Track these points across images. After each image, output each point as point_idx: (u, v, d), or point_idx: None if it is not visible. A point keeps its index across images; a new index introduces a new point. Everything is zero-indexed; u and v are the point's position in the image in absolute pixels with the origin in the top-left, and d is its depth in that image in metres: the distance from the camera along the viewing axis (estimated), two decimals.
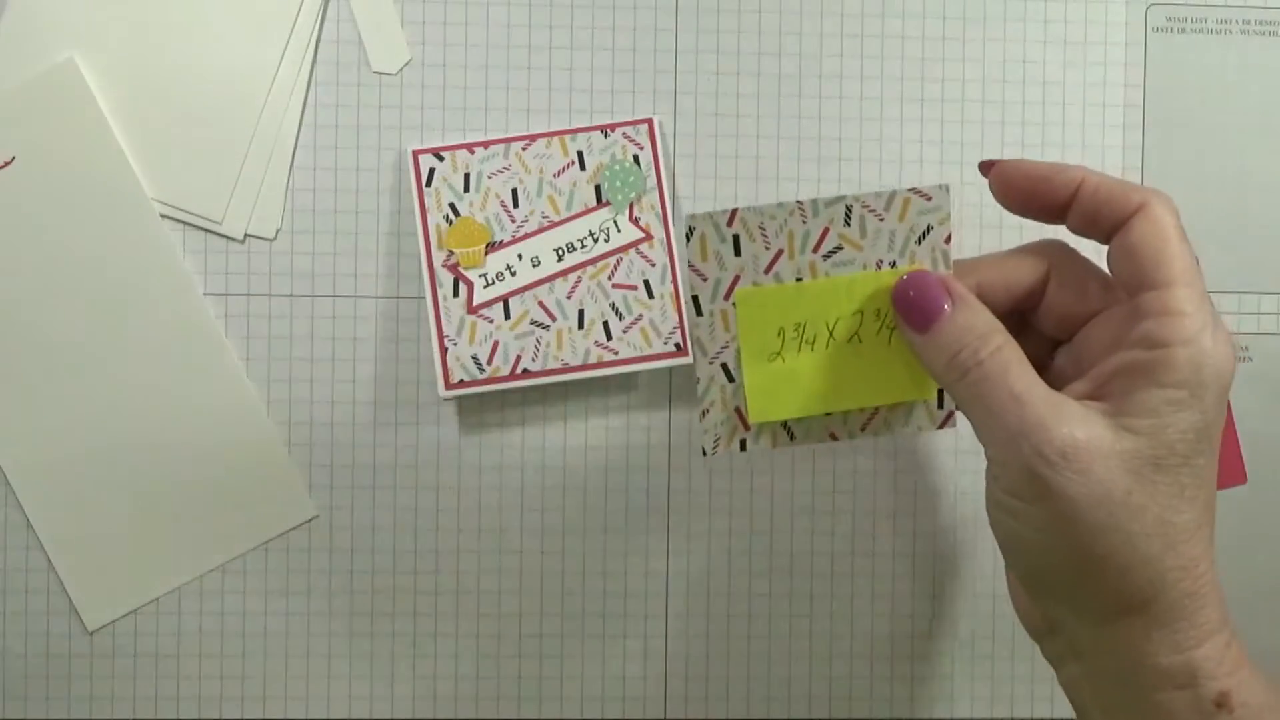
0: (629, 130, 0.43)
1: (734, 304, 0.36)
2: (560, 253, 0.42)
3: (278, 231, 0.43)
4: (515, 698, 0.44)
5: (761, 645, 0.44)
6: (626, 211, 0.42)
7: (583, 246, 0.42)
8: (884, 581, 0.44)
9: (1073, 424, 0.31)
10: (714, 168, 0.44)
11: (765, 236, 0.35)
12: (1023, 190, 0.34)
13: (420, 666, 0.44)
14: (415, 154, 0.42)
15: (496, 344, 0.42)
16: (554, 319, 0.42)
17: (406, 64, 0.43)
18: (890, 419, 0.37)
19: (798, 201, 0.35)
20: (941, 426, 0.37)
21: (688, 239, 0.36)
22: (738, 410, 0.37)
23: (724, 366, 0.36)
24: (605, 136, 0.42)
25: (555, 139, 0.42)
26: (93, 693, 0.43)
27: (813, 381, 0.36)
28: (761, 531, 0.44)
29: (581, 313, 0.42)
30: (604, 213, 0.42)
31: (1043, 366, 0.36)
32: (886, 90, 0.44)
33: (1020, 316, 0.36)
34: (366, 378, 0.43)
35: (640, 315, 0.42)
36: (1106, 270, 0.34)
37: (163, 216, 0.43)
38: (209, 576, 0.43)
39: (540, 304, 0.42)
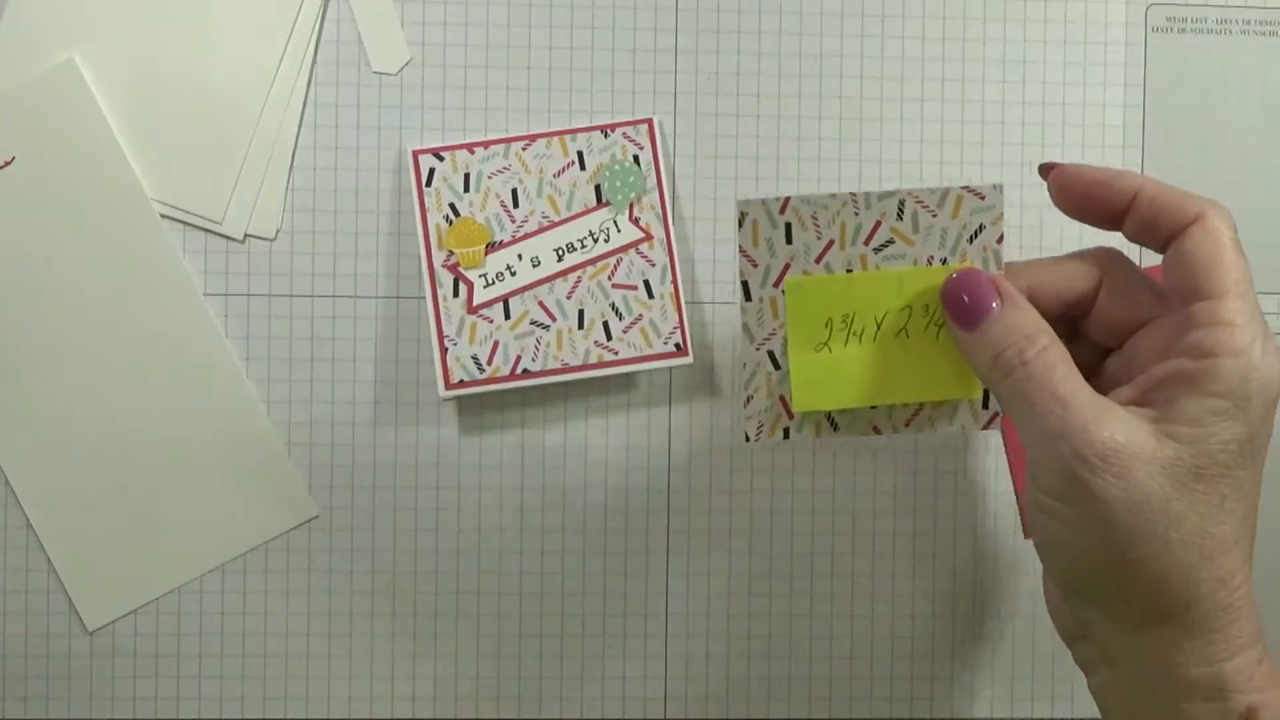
0: (629, 130, 0.43)
1: (783, 291, 0.36)
2: (560, 253, 0.42)
3: (278, 231, 0.43)
4: (515, 698, 0.44)
5: (761, 645, 0.44)
6: (626, 211, 0.42)
7: (583, 246, 0.42)
8: (884, 581, 0.44)
9: (1114, 427, 0.31)
10: (714, 168, 0.44)
11: (817, 226, 0.36)
12: (1080, 195, 0.34)
13: (420, 666, 0.44)
14: (415, 154, 0.42)
15: (496, 344, 0.42)
16: (554, 319, 0.42)
17: (406, 64, 0.43)
18: (935, 416, 0.37)
19: (851, 193, 0.35)
20: (986, 427, 0.37)
21: (740, 224, 0.36)
22: (782, 399, 0.37)
23: (770, 354, 0.36)
24: (605, 136, 0.42)
25: (555, 139, 0.42)
26: (93, 693, 0.43)
27: (858, 374, 0.36)
28: (761, 531, 0.44)
29: (581, 313, 0.42)
30: (604, 213, 0.42)
31: (1092, 373, 0.36)
32: (886, 90, 0.44)
33: (1071, 323, 0.36)
34: (366, 378, 0.43)
35: (640, 315, 0.42)
36: (1156, 280, 0.35)
37: (163, 216, 0.43)
38: (209, 576, 0.43)
39: (540, 304, 0.42)
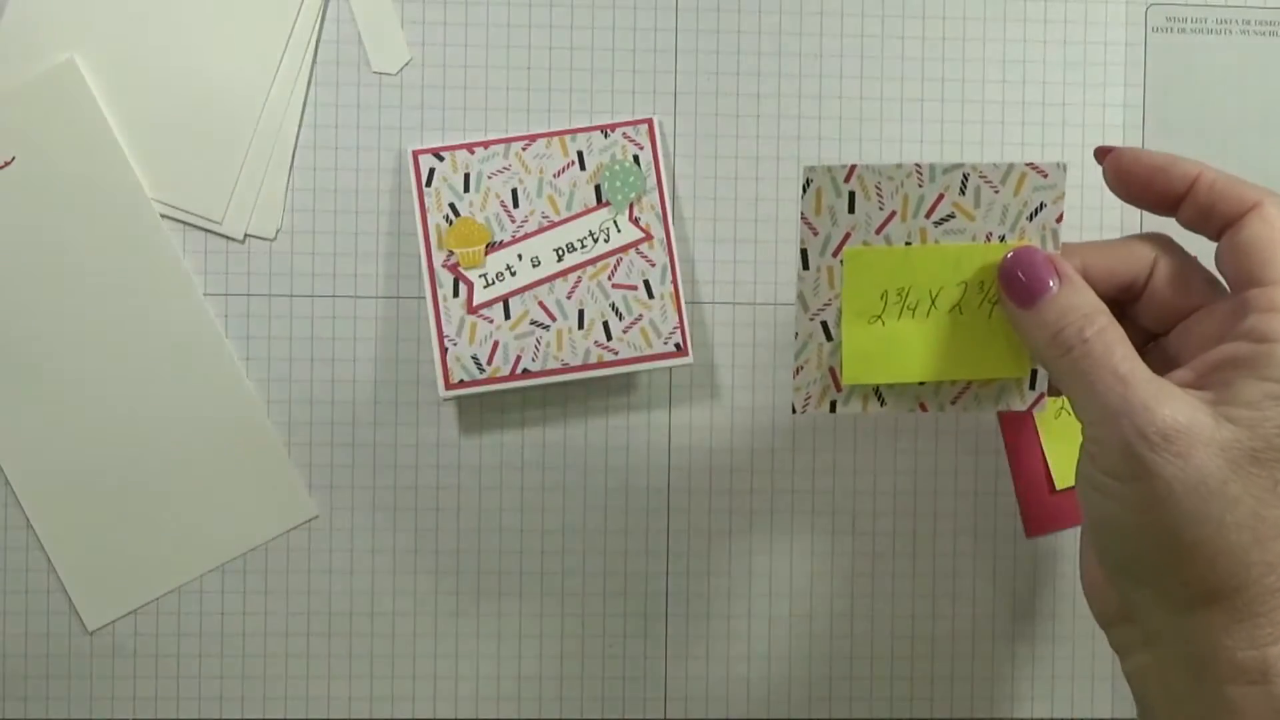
0: (629, 130, 0.43)
1: (841, 261, 0.36)
2: (560, 253, 0.42)
3: (278, 231, 0.43)
4: (515, 698, 0.44)
5: (761, 645, 0.44)
6: (626, 211, 0.42)
7: (583, 246, 0.42)
8: (884, 581, 0.44)
9: (1176, 407, 0.31)
10: (714, 168, 0.44)
11: (880, 196, 0.36)
12: (1138, 180, 0.35)
13: (420, 666, 0.44)
14: (415, 154, 0.42)
15: (496, 344, 0.42)
16: (554, 319, 0.42)
17: (406, 64, 0.43)
18: (981, 395, 0.37)
19: (916, 164, 0.35)
20: (1031, 408, 0.37)
21: (804, 190, 0.35)
22: (832, 370, 0.37)
23: (824, 325, 0.36)
24: (605, 136, 0.42)
25: (555, 139, 0.42)
26: (93, 693, 0.43)
27: (910, 349, 0.36)
28: (761, 531, 0.44)
29: (581, 313, 0.42)
30: (604, 213, 0.42)
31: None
32: (886, 90, 0.44)
33: (1117, 307, 0.36)
34: (366, 378, 0.43)
35: (640, 315, 0.42)
36: (1205, 267, 0.35)
37: (163, 216, 0.43)
38: (209, 576, 0.43)
39: (540, 304, 0.42)
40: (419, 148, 0.42)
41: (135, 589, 0.43)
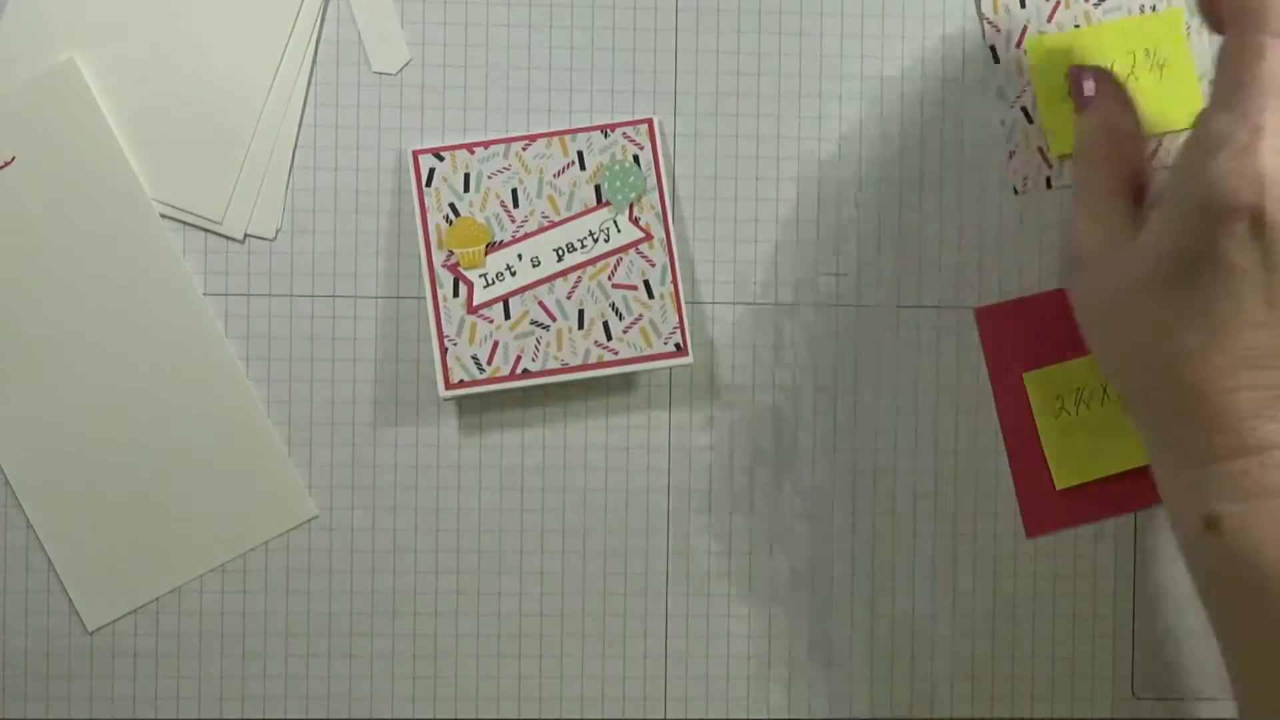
0: (629, 130, 0.43)
1: (1026, 52, 0.42)
2: (560, 253, 0.42)
3: (278, 231, 0.43)
4: (515, 698, 0.44)
5: (761, 645, 0.44)
6: (626, 211, 0.42)
7: (583, 246, 0.42)
8: (884, 580, 0.44)
9: (1095, 234, 0.36)
10: (714, 168, 0.44)
11: None
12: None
13: (420, 666, 0.44)
14: (415, 154, 0.42)
15: (496, 344, 0.42)
16: (554, 319, 0.42)
17: (406, 64, 0.43)
18: (1172, 150, 0.41)
19: None
20: None
21: None
22: (1040, 150, 0.42)
23: (1024, 110, 0.42)
24: (605, 136, 0.42)
25: (555, 139, 0.42)
26: (93, 693, 0.43)
27: None
28: (761, 532, 0.44)
29: (581, 313, 0.42)
30: (604, 213, 0.42)
31: None
32: (887, 90, 0.44)
33: None
34: (366, 378, 0.43)
35: (640, 315, 0.42)
36: None
37: (163, 216, 0.43)
38: (209, 576, 0.43)
39: (540, 304, 0.42)
40: (419, 148, 0.42)
41: (135, 589, 0.43)
